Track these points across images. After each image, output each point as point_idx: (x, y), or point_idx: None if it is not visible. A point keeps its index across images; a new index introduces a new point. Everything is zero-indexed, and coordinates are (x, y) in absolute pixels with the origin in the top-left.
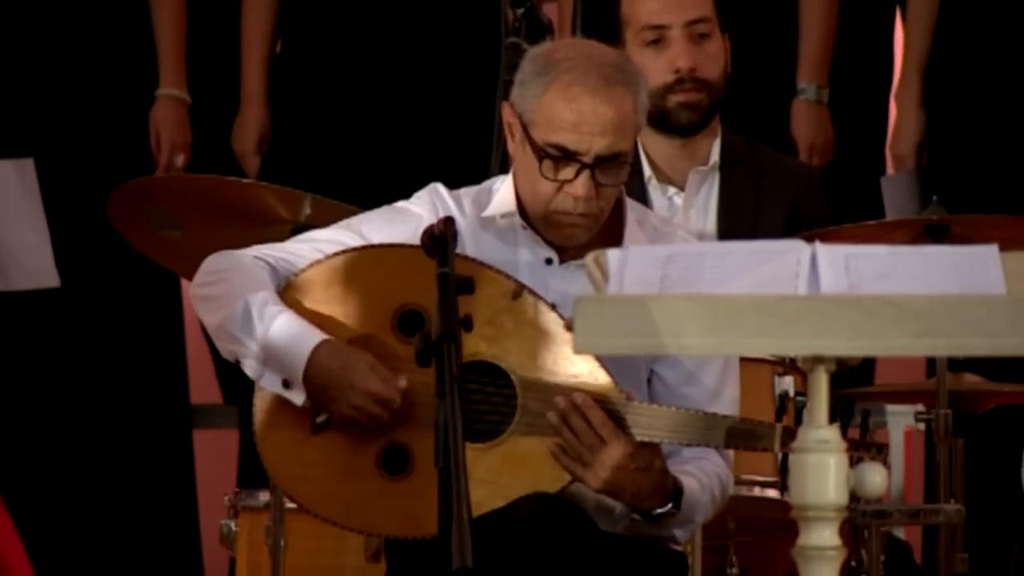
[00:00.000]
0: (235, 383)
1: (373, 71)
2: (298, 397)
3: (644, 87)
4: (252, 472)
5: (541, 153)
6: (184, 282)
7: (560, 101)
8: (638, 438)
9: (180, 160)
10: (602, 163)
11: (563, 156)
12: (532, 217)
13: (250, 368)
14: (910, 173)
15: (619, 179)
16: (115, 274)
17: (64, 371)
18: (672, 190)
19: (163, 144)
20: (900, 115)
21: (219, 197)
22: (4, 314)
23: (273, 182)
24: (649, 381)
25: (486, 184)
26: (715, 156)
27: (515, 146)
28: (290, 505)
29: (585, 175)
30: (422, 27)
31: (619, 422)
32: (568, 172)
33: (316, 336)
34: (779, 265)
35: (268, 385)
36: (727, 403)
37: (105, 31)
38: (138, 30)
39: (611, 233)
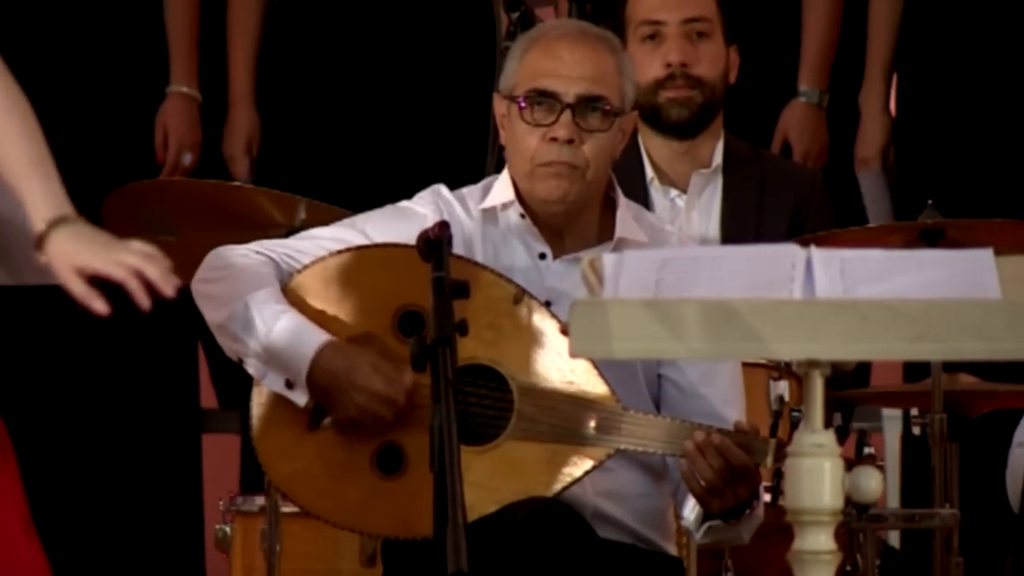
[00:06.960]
0: (231, 388)
1: (367, 74)
2: (301, 398)
3: (628, 60)
4: (253, 478)
5: (524, 103)
6: None
7: (540, 55)
8: (632, 447)
9: (188, 159)
10: (582, 103)
11: (544, 98)
12: (523, 191)
13: (253, 367)
14: (880, 173)
15: (602, 126)
16: None
17: (72, 368)
18: (674, 192)
19: (171, 142)
20: (864, 118)
21: (214, 201)
22: (14, 309)
23: (267, 187)
24: (659, 387)
25: (485, 181)
26: (718, 159)
27: (505, 134)
28: (285, 509)
29: (566, 116)
30: (416, 30)
31: (614, 430)
32: (550, 116)
33: (319, 336)
34: (774, 269)
35: (271, 385)
36: (738, 407)
37: (115, 30)
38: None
39: (604, 223)
